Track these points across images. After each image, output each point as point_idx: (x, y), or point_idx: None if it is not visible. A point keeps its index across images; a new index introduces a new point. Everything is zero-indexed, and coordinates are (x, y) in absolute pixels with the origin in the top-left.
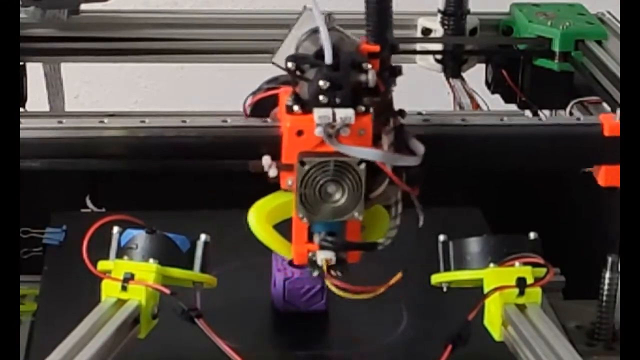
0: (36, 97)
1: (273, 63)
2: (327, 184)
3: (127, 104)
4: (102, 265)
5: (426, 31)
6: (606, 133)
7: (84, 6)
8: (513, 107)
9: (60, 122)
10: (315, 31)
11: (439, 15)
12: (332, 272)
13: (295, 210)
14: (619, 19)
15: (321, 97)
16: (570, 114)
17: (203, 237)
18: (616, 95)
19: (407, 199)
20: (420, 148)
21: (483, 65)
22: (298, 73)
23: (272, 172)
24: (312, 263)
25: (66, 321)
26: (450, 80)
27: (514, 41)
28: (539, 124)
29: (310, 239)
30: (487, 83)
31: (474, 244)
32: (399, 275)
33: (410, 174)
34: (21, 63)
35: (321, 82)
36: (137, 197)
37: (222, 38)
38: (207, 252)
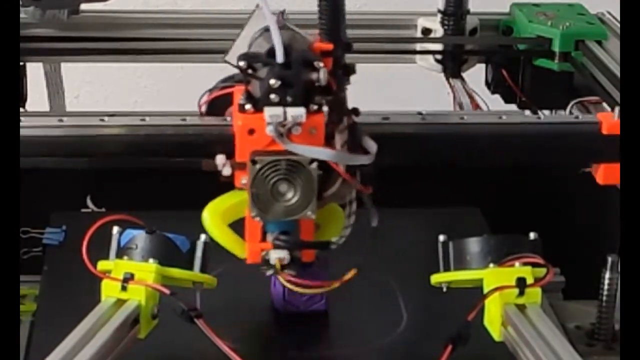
0: (36, 97)
1: (225, 61)
2: (279, 182)
3: (127, 104)
4: (102, 265)
5: (426, 31)
6: (604, 131)
7: (84, 6)
8: (513, 107)
9: (61, 121)
10: (267, 29)
11: (439, 15)
12: (286, 272)
13: (248, 209)
14: (619, 19)
15: (272, 96)
16: (570, 114)
17: (203, 237)
18: (616, 95)
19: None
20: (373, 147)
21: (483, 65)
22: (250, 71)
23: (226, 171)
24: (266, 262)
25: (66, 321)
26: (450, 80)
27: (514, 41)
28: (537, 122)
29: (264, 238)
30: (487, 83)
31: (473, 244)
32: (352, 272)
33: (364, 172)
34: (21, 63)
35: (272, 81)
36: (137, 197)
37: (222, 38)
38: (207, 252)
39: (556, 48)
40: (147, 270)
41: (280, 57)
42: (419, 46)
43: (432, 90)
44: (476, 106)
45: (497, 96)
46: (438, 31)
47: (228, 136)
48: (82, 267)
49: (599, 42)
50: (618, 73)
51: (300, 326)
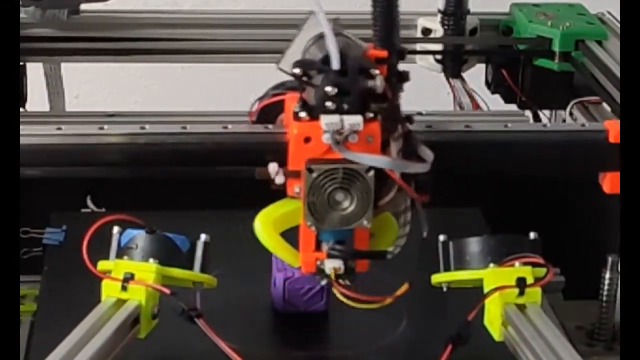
0: (36, 97)
1: (279, 69)
2: (336, 191)
3: (127, 104)
4: (102, 265)
5: (426, 31)
6: (611, 140)
7: (84, 6)
8: (513, 107)
9: (59, 129)
10: (321, 36)
11: (439, 15)
12: (341, 281)
13: (303, 218)
14: (619, 19)
15: (328, 104)
16: (570, 114)
17: (203, 237)
18: (616, 95)
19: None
20: (429, 155)
21: (483, 65)
22: (305, 79)
23: (279, 179)
24: (320, 271)
25: (66, 321)
26: (450, 80)
27: (514, 41)
28: (543, 130)
29: (318, 247)
30: (487, 83)
31: (474, 244)
32: (405, 286)
33: (419, 180)
34: (21, 63)
35: (328, 88)
36: (137, 197)
37: (222, 38)
38: (207, 252)
39: (556, 48)
40: (147, 270)
41: (336, 64)
42: (419, 46)
43: (432, 90)
44: (476, 106)
45: (497, 96)
46: (438, 31)
47: (280, 144)
48: (82, 267)
49: (599, 42)
50: (618, 73)
51: (300, 326)
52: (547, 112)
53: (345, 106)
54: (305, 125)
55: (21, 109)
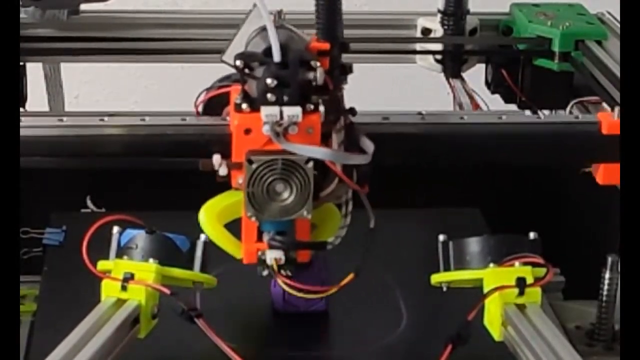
0: (36, 97)
1: (222, 61)
2: (275, 182)
3: (127, 104)
4: (102, 265)
5: (426, 31)
6: (604, 131)
7: (84, 6)
8: (513, 107)
9: (61, 120)
10: (264, 29)
11: (439, 15)
12: (282, 272)
13: (244, 209)
14: (619, 19)
15: (269, 95)
16: (570, 114)
17: (203, 237)
18: (616, 95)
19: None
20: (370, 146)
21: (483, 65)
22: (246, 71)
23: (222, 171)
24: (262, 262)
25: (66, 321)
26: (450, 80)
27: (514, 41)
28: (537, 122)
29: (259, 238)
30: (487, 83)
31: (473, 244)
32: (350, 276)
33: (360, 172)
34: (21, 63)
35: (269, 80)
36: (137, 197)
37: (222, 38)
38: (207, 252)
39: (556, 48)
40: (147, 270)
41: (277, 57)
42: (419, 46)
43: (432, 90)
44: (476, 106)
45: (497, 96)
46: (438, 31)
47: (224, 136)
48: (82, 267)
49: (599, 42)
50: (618, 73)
51: (300, 326)
52: (547, 112)
53: (286, 98)
54: (246, 116)
55: (21, 109)
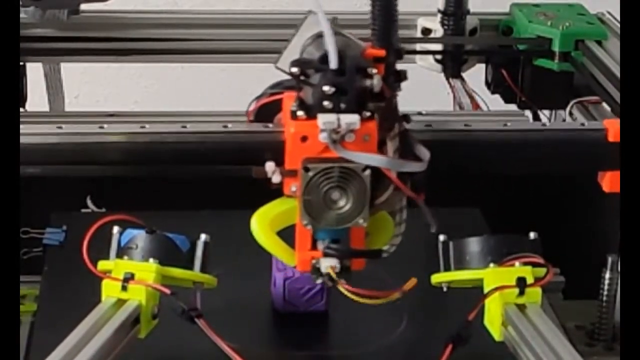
0: (36, 97)
1: (277, 67)
2: (332, 190)
3: (127, 104)
4: (102, 265)
5: (426, 31)
6: (610, 139)
7: (84, 6)
8: (513, 107)
9: (60, 128)
10: (319, 35)
11: (439, 15)
12: (337, 280)
13: (299, 217)
14: (619, 19)
15: (326, 103)
16: (570, 114)
17: (203, 237)
18: (616, 95)
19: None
20: (425, 154)
21: (483, 65)
22: (302, 78)
23: (276, 178)
24: (316, 270)
25: (66, 321)
26: (450, 80)
27: (514, 41)
28: (543, 129)
29: (314, 246)
30: (487, 83)
31: (474, 244)
32: (413, 281)
33: (415, 180)
34: (21, 63)
35: (326, 87)
36: (137, 197)
37: (222, 38)
38: (207, 252)
39: (556, 48)
40: (147, 270)
41: (333, 64)
42: (419, 46)
43: (432, 90)
44: (476, 106)
45: (497, 96)
46: (438, 31)
47: (277, 143)
48: (82, 267)
49: (599, 42)
50: (618, 73)
51: (300, 326)
52: (546, 112)
53: (343, 105)
54: (302, 124)
55: (21, 109)
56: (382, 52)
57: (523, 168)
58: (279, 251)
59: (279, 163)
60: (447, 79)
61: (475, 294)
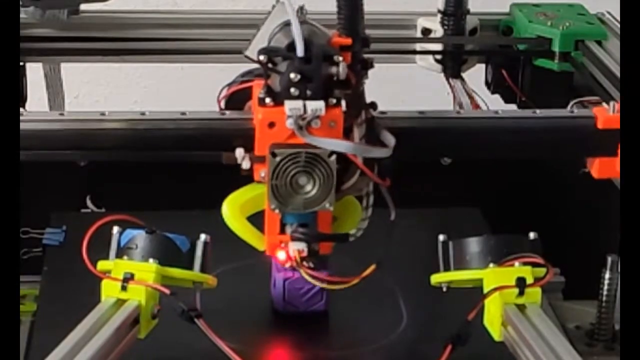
0: (36, 97)
1: (245, 56)
2: (299, 175)
3: (127, 104)
4: (102, 265)
5: (426, 31)
6: (600, 126)
7: (84, 6)
8: (513, 107)
9: (62, 115)
10: (287, 24)
11: (439, 15)
12: (304, 264)
13: (268, 202)
14: (619, 19)
15: (292, 90)
16: None
17: (203, 237)
18: (616, 95)
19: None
20: (391, 140)
21: (483, 65)
22: (270, 65)
23: (245, 164)
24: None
25: (66, 321)
26: (450, 80)
27: (514, 41)
28: (533, 116)
29: (282, 230)
30: (487, 83)
31: (473, 244)
32: (372, 267)
33: (381, 166)
34: (21, 63)
35: (292, 75)
36: (137, 197)
37: (222, 38)
38: (207, 252)
39: (556, 48)
40: (147, 270)
41: (300, 51)
42: (419, 46)
43: (432, 90)
44: (476, 106)
45: (497, 96)
46: (438, 31)
47: (247, 130)
48: (82, 267)
49: (599, 42)
50: (618, 73)
51: (300, 326)
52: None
53: (309, 92)
54: (269, 110)
55: (21, 109)
56: (348, 41)
57: (513, 154)
58: (249, 236)
59: (249, 150)
60: (447, 79)
61: (475, 294)
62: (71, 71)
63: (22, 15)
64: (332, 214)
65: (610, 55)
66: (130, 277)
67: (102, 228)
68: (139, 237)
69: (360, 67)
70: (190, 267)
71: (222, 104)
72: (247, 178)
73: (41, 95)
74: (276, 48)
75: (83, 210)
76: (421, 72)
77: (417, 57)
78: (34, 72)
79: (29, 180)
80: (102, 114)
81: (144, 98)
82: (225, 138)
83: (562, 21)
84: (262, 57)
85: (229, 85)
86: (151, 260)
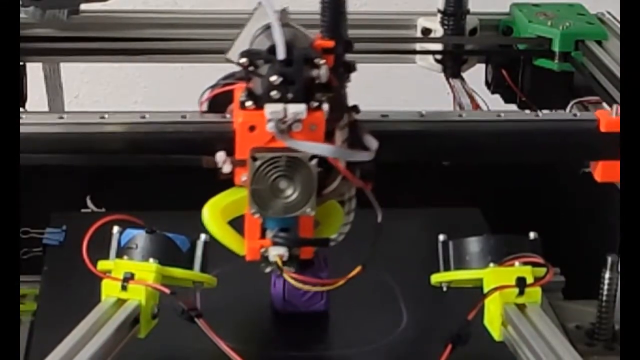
0: (36, 97)
1: (227, 59)
2: (279, 179)
3: (127, 104)
4: (102, 265)
5: (426, 31)
6: (602, 129)
7: (84, 6)
8: (513, 107)
9: (61, 118)
10: (269, 27)
11: (439, 15)
12: (286, 268)
13: (248, 206)
14: (619, 19)
15: (273, 93)
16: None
17: (203, 237)
18: (616, 95)
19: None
20: (373, 144)
21: (483, 65)
22: (251, 68)
23: (226, 168)
24: (265, 259)
25: (66, 321)
26: (450, 80)
27: (514, 41)
28: (535, 119)
29: (263, 235)
30: (487, 83)
31: (473, 244)
32: (357, 269)
33: (364, 169)
34: (21, 63)
35: (273, 78)
36: (137, 197)
37: (222, 38)
38: (207, 252)
39: (556, 48)
40: (147, 270)
41: (281, 54)
42: (419, 46)
43: (432, 90)
44: (476, 106)
45: (497, 96)
46: (438, 31)
47: (228, 133)
48: (82, 267)
49: (599, 42)
50: (618, 73)
51: (300, 326)
52: (546, 112)
53: (290, 95)
54: (250, 114)
55: (21, 109)
56: (330, 44)
57: (516, 158)
58: (229, 240)
59: (231, 153)
60: (447, 79)
61: (475, 294)
62: (71, 71)
63: (22, 15)
64: (313, 219)
65: (610, 55)
66: (130, 276)
67: (102, 228)
68: (139, 237)
69: (343, 70)
70: (190, 267)
71: (205, 107)
72: None
73: (41, 95)
74: (257, 51)
75: (83, 210)
76: (421, 72)
77: (417, 57)
78: (34, 72)
79: (29, 180)
80: (102, 116)
81: (144, 98)
82: (206, 141)
83: (562, 21)
84: (243, 60)
85: (211, 88)
86: (151, 260)
